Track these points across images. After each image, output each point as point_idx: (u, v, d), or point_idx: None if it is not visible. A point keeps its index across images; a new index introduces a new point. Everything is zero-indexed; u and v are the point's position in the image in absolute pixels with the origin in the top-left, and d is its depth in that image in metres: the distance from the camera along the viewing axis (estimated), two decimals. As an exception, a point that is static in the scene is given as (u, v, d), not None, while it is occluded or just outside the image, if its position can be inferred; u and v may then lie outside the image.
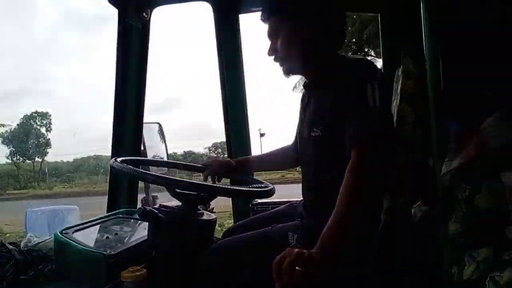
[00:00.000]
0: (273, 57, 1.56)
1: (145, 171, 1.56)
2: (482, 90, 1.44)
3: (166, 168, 2.08)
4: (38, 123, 27.70)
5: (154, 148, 2.42)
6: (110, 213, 2.05)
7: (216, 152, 24.18)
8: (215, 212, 1.68)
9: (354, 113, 1.30)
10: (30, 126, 27.41)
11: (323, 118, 1.42)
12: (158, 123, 2.51)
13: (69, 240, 1.61)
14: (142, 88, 2.35)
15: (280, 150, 1.92)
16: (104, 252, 1.55)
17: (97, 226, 1.85)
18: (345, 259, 1.26)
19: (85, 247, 1.58)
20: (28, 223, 3.84)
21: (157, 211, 1.47)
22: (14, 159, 26.77)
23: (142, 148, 2.31)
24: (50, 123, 27.81)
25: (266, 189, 1.57)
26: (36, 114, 27.67)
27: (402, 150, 1.30)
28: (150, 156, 2.29)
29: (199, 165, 1.94)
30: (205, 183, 1.39)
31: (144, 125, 2.38)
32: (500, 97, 1.38)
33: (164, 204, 1.56)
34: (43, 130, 27.78)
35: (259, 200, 2.28)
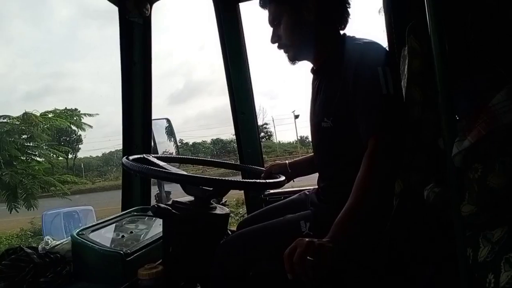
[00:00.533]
0: (276, 44, 1.52)
1: (157, 168, 1.56)
2: (493, 67, 1.41)
3: (178, 164, 2.09)
4: (69, 119, 27.89)
5: (165, 143, 2.44)
6: (125, 211, 2.07)
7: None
8: (228, 206, 1.68)
9: (367, 102, 1.29)
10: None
11: (334, 108, 1.40)
12: (167, 119, 2.52)
13: (85, 241, 1.63)
14: (148, 84, 2.35)
15: None
16: (121, 251, 1.58)
17: (113, 225, 1.87)
18: (357, 248, 1.25)
19: (101, 247, 1.61)
20: (44, 226, 3.89)
21: (170, 208, 1.47)
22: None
23: (152, 144, 2.32)
24: (80, 119, 28.14)
25: (276, 180, 1.57)
26: (66, 111, 27.85)
27: (412, 132, 1.27)
28: (160, 152, 2.30)
29: (260, 168, 1.97)
30: (217, 177, 1.38)
31: (153, 121, 2.38)
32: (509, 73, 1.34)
33: (177, 200, 1.57)
34: (73, 126, 28.09)
35: (271, 191, 2.28)
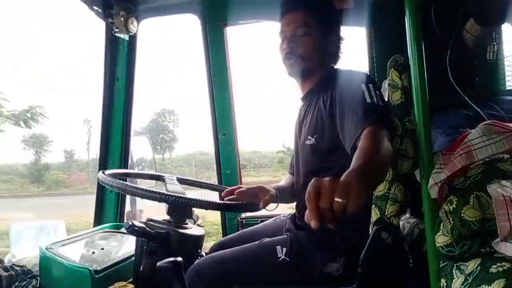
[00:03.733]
0: (286, 51, 1.52)
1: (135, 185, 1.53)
2: (468, 103, 1.46)
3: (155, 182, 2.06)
4: (168, 119, 28.39)
5: (142, 160, 2.42)
6: (97, 227, 2.02)
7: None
8: (203, 226, 1.66)
9: (352, 108, 1.28)
10: (161, 122, 28.19)
11: (320, 127, 1.43)
12: (147, 136, 2.51)
13: (54, 255, 1.58)
14: (129, 100, 2.34)
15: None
16: (90, 268, 1.53)
17: (83, 241, 1.82)
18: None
19: (70, 263, 1.56)
20: (12, 238, 3.75)
21: (144, 226, 1.44)
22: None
23: (130, 161, 2.30)
24: (177, 119, 28.57)
25: (254, 203, 1.56)
26: (164, 111, 28.27)
27: (390, 163, 1.30)
28: (137, 168, 2.28)
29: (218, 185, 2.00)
30: (194, 197, 1.36)
31: (132, 138, 2.36)
32: (482, 110, 1.40)
33: (152, 218, 1.54)
34: (171, 126, 28.37)
35: (247, 214, 2.26)
